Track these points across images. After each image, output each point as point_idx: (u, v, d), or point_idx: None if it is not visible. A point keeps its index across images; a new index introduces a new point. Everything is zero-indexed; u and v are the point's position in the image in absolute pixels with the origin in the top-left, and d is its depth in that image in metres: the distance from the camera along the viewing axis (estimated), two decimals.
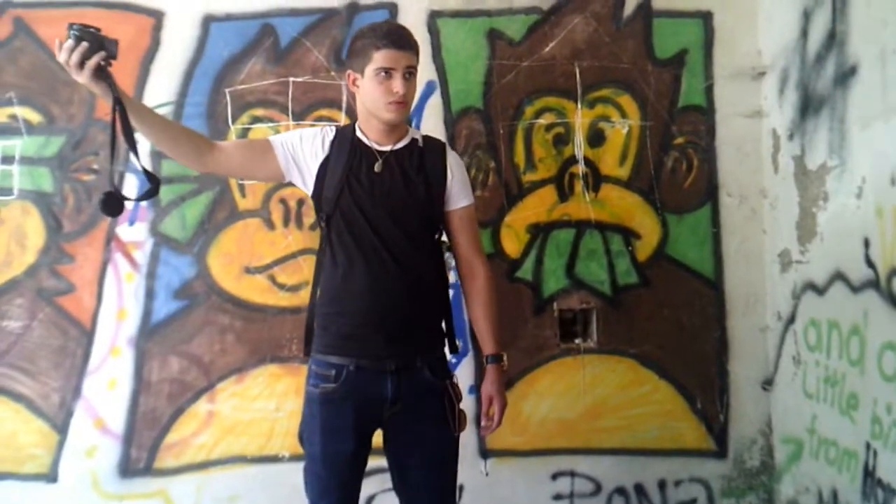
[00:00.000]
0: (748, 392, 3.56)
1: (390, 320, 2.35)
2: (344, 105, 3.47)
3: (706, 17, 3.57)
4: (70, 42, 2.04)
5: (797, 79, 3.24)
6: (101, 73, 2.10)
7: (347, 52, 2.45)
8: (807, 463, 3.25)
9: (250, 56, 3.46)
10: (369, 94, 2.32)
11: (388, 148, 2.40)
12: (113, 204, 2.20)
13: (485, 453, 3.50)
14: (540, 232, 3.52)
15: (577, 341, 3.53)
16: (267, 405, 3.46)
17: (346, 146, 2.37)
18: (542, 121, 3.52)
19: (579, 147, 3.53)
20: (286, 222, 3.46)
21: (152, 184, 2.28)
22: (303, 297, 3.43)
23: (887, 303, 2.63)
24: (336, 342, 2.35)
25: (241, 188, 3.46)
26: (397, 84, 2.28)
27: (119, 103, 2.13)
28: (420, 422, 2.41)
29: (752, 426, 3.57)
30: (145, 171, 2.25)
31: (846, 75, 2.87)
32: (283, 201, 3.46)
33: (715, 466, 3.55)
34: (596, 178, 3.53)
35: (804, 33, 3.16)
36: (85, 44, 2.05)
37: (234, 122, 3.46)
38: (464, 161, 3.41)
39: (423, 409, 2.41)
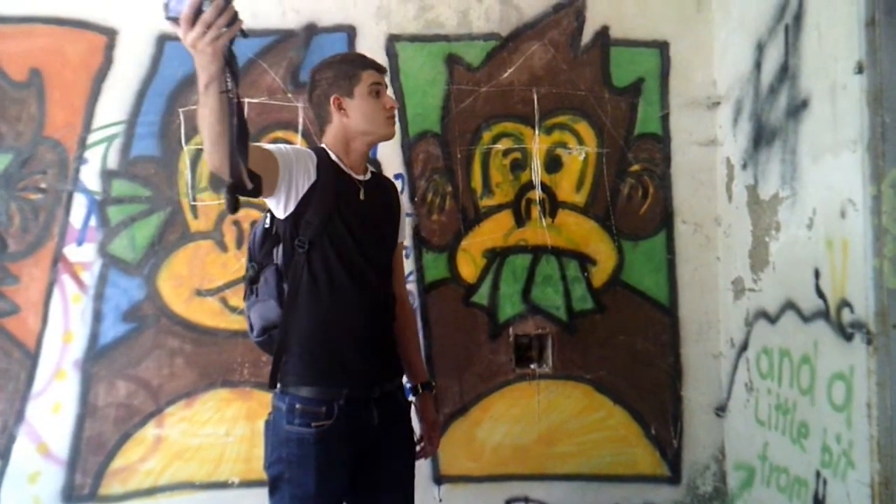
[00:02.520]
0: (701, 418, 3.58)
1: (377, 345, 2.37)
2: (300, 127, 3.44)
3: (663, 47, 3.61)
4: (220, 1, 1.69)
5: (751, 110, 3.28)
6: (229, 51, 1.79)
7: (322, 81, 2.38)
8: (758, 490, 3.27)
9: None
10: (364, 111, 2.33)
11: (362, 177, 2.41)
12: (234, 200, 2.03)
13: (439, 479, 3.47)
14: (496, 257, 3.51)
15: (532, 367, 3.52)
16: (217, 430, 3.40)
17: (332, 172, 2.31)
18: (500, 146, 3.53)
19: (536, 173, 3.54)
20: (239, 244, 3.42)
21: (254, 183, 2.03)
22: None
23: (837, 333, 2.66)
24: (325, 371, 2.26)
25: (194, 209, 3.41)
26: (389, 99, 2.36)
27: (238, 94, 1.88)
28: (393, 445, 2.41)
29: (706, 452, 3.59)
30: (249, 171, 1.96)
31: (798, 108, 2.92)
32: (236, 223, 3.42)
33: (668, 492, 3.56)
34: (553, 204, 3.54)
35: (758, 65, 3.21)
36: (233, 7, 1.72)
37: (187, 142, 3.42)
38: (421, 185, 3.44)
39: (396, 433, 2.43)
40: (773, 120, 3.09)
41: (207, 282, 3.41)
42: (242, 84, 3.40)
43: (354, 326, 2.29)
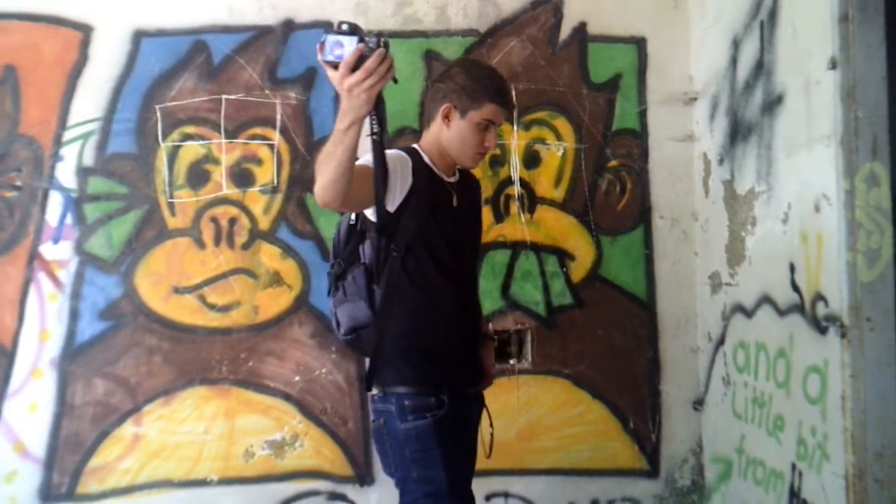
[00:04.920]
0: (679, 412, 3.60)
1: (473, 346, 2.42)
2: (278, 124, 3.43)
3: (640, 43, 3.62)
4: (382, 50, 1.77)
5: (727, 105, 3.30)
6: (378, 96, 1.85)
7: (452, 81, 2.33)
8: (735, 482, 3.30)
9: (182, 72, 3.41)
10: (461, 137, 2.32)
11: (452, 180, 2.41)
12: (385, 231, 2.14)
13: None
14: None
15: (511, 362, 3.53)
16: (195, 428, 3.38)
17: (427, 176, 2.29)
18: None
19: (515, 168, 3.55)
20: (217, 241, 3.40)
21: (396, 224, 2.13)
22: (234, 318, 3.39)
23: (812, 327, 2.69)
24: (425, 372, 2.26)
25: (171, 206, 3.39)
26: (491, 139, 2.35)
27: (383, 132, 1.94)
28: (474, 438, 2.47)
29: (684, 446, 3.61)
30: (398, 211, 2.08)
31: (773, 104, 2.94)
32: (214, 220, 3.40)
33: (647, 486, 3.58)
34: (531, 200, 3.55)
35: (734, 61, 3.23)
36: (391, 56, 1.79)
37: (164, 139, 3.39)
38: None
39: (476, 427, 2.48)
40: (748, 115, 3.12)
41: (185, 279, 3.39)
42: (220, 80, 3.41)
43: (451, 328, 2.31)
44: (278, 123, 3.44)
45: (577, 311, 3.55)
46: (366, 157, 2.09)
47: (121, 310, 3.37)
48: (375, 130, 1.90)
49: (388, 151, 2.16)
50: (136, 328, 3.37)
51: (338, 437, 3.43)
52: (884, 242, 2.49)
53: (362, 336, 2.30)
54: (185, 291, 3.40)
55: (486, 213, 3.50)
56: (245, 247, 3.41)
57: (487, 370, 2.67)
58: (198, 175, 3.42)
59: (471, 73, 2.33)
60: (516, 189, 3.54)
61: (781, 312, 2.90)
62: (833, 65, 2.53)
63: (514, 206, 3.54)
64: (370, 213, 2.21)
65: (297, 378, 3.42)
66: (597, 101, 3.59)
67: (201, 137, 3.42)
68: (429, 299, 2.26)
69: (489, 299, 3.50)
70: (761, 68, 3.01)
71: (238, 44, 3.45)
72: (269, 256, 3.42)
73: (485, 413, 2.56)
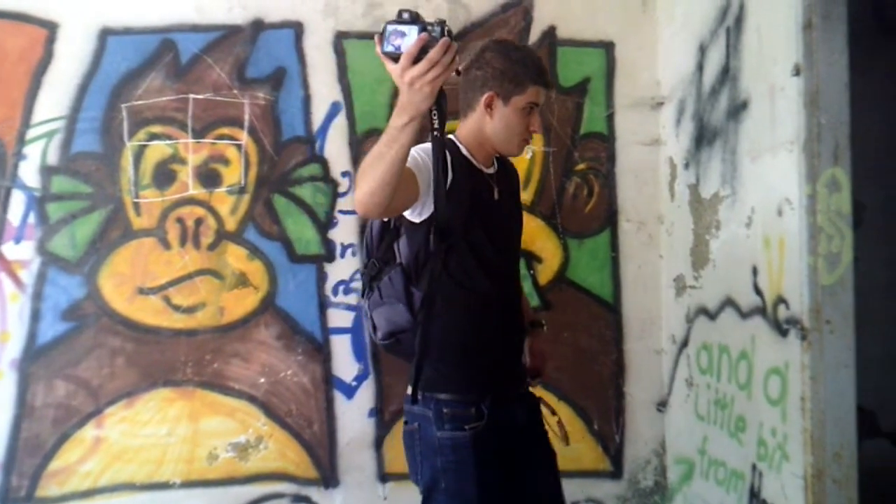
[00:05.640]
0: (643, 413, 3.64)
1: (520, 347, 2.32)
2: (246, 124, 3.41)
3: (608, 48, 3.65)
4: (447, 39, 1.62)
5: (693, 110, 3.34)
6: (440, 91, 1.70)
7: (488, 65, 2.16)
8: (697, 483, 3.34)
9: (149, 71, 3.37)
10: (507, 123, 2.17)
11: (492, 171, 2.27)
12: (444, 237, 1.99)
13: (384, 477, 3.47)
14: None
15: None
16: (158, 430, 3.35)
17: (465, 169, 2.14)
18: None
19: None
20: (183, 242, 3.38)
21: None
22: (199, 319, 3.37)
23: (773, 329, 2.72)
24: (471, 375, 2.16)
25: (136, 206, 3.36)
26: (536, 123, 2.21)
27: (444, 128, 1.79)
28: (536, 439, 2.34)
29: (647, 447, 3.64)
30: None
31: (738, 109, 2.98)
32: (180, 220, 3.38)
33: (610, 487, 3.61)
34: None
35: (700, 67, 3.27)
36: (456, 45, 1.64)
37: (130, 138, 3.36)
38: None
39: (537, 427, 2.35)
40: (714, 120, 3.15)
41: (150, 280, 3.36)
42: (188, 79, 3.39)
43: (497, 329, 2.22)
44: (246, 123, 3.42)
45: (543, 313, 3.56)
46: (414, 157, 1.95)
47: (84, 311, 3.32)
48: (437, 126, 1.77)
49: (424, 145, 1.98)
50: (99, 329, 3.33)
51: (303, 439, 3.42)
52: (844, 247, 2.53)
53: (402, 341, 2.15)
54: (150, 292, 3.36)
55: None
56: (211, 247, 3.39)
57: (540, 361, 2.53)
58: (164, 175, 3.39)
59: (509, 56, 2.17)
60: None
61: (744, 315, 2.94)
62: (797, 71, 2.57)
63: None
64: (413, 216, 2.06)
65: (262, 380, 3.40)
66: (565, 104, 3.61)
67: (168, 137, 3.39)
68: (474, 299, 2.15)
69: None
70: (727, 74, 3.05)
71: (206, 43, 3.42)
72: (235, 257, 3.40)
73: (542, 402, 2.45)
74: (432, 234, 2.02)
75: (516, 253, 2.35)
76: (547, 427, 2.38)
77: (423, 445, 2.15)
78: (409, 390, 2.14)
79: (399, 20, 1.63)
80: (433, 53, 1.60)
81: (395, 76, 1.66)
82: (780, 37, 2.66)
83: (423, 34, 1.60)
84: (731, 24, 3.01)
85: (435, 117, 1.76)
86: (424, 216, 2.04)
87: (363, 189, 1.78)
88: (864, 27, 3.49)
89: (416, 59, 1.61)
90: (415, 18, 1.63)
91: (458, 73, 1.72)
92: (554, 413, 2.50)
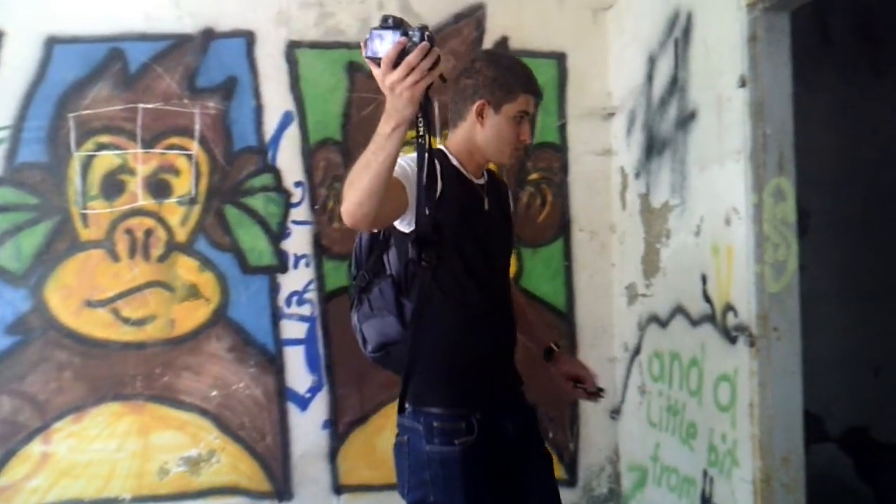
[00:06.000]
0: (597, 421, 3.66)
1: (508, 357, 2.27)
2: (196, 133, 3.37)
3: (560, 59, 3.69)
4: (426, 43, 1.59)
5: (643, 121, 3.38)
6: (426, 97, 1.67)
7: (479, 74, 2.13)
8: (651, 490, 3.37)
9: (96, 80, 3.33)
10: (498, 133, 2.14)
11: (481, 182, 2.23)
12: (421, 250, 1.93)
13: (338, 489, 3.45)
14: None
15: None
16: (107, 445, 3.30)
17: (455, 180, 2.10)
18: (402, 154, 3.53)
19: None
20: (132, 254, 3.33)
21: (436, 234, 1.94)
22: (149, 332, 3.33)
23: (722, 337, 2.76)
24: (462, 387, 2.11)
25: (84, 218, 3.30)
26: (527, 131, 2.18)
27: (430, 135, 1.75)
28: (530, 449, 2.27)
29: (601, 454, 3.67)
30: (434, 220, 1.86)
31: (687, 119, 3.02)
32: (129, 232, 3.33)
33: (565, 495, 3.53)
34: None
35: (650, 78, 3.31)
36: (437, 50, 1.61)
37: (77, 148, 3.31)
38: (321, 193, 3.42)
39: (531, 437, 2.29)
40: (663, 131, 3.20)
41: (98, 292, 3.31)
42: (136, 89, 3.35)
43: (488, 340, 2.17)
44: (197, 133, 3.39)
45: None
46: (402, 166, 1.91)
47: (29, 324, 3.26)
48: (422, 133, 1.73)
49: (411, 155, 1.94)
50: (45, 343, 3.27)
51: (255, 452, 3.39)
52: (789, 255, 2.58)
53: (392, 353, 2.12)
54: (98, 305, 3.31)
55: None
56: (161, 259, 3.35)
57: (575, 366, 2.45)
58: (112, 185, 3.34)
59: (499, 65, 2.16)
60: None
61: (694, 322, 2.98)
62: (742, 83, 2.62)
63: None
64: (402, 226, 2.02)
65: (214, 393, 3.37)
66: None
67: (116, 147, 3.34)
68: (463, 310, 2.11)
69: None
70: (675, 85, 3.09)
71: (156, 52, 3.38)
72: (186, 269, 3.36)
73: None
74: (412, 244, 1.98)
75: (506, 264, 2.33)
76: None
77: (412, 459, 2.11)
78: (398, 403, 2.10)
79: (382, 25, 1.61)
80: (411, 58, 1.58)
81: (378, 81, 1.64)
82: (725, 49, 2.71)
83: (402, 39, 1.59)
84: (679, 36, 3.05)
85: (421, 124, 1.73)
86: (414, 226, 1.98)
87: (351, 199, 1.75)
88: (808, 40, 3.57)
89: (396, 64, 1.60)
90: (398, 24, 1.61)
91: (442, 79, 1.67)
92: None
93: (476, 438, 2.07)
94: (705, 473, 2.89)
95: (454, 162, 2.15)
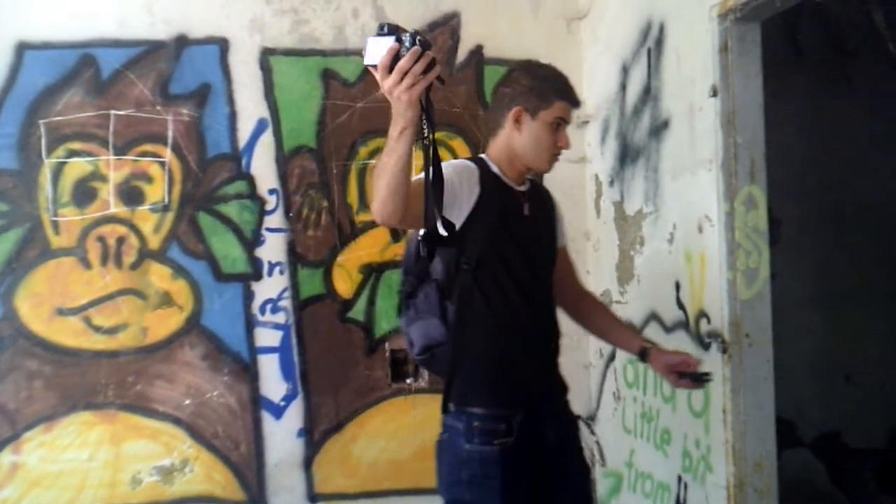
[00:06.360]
0: None
1: (549, 361, 2.29)
2: (169, 140, 3.35)
3: None
4: (418, 48, 1.63)
5: (617, 129, 3.41)
6: (426, 98, 1.71)
7: (515, 84, 2.19)
8: (626, 496, 3.38)
9: (68, 87, 3.30)
10: (535, 139, 2.18)
11: (523, 189, 2.27)
12: (432, 249, 1.97)
13: (313, 497, 3.44)
14: (373, 272, 3.52)
15: (408, 381, 3.53)
16: (79, 455, 3.27)
17: (494, 185, 2.16)
18: (376, 161, 3.52)
19: None
20: (104, 261, 3.31)
21: (449, 230, 1.92)
22: (121, 340, 3.30)
23: (695, 343, 2.78)
24: (502, 389, 2.14)
25: (55, 225, 3.27)
26: (564, 138, 2.22)
27: (433, 137, 1.77)
28: (569, 459, 2.30)
29: None
30: (443, 219, 1.85)
31: (660, 128, 3.05)
32: (101, 239, 3.30)
33: None
34: None
35: (623, 87, 3.34)
36: (430, 54, 1.65)
37: (48, 155, 3.28)
38: (296, 200, 3.41)
39: (570, 447, 2.31)
40: (637, 139, 3.22)
41: (70, 300, 3.28)
42: (109, 95, 3.32)
43: (528, 343, 2.19)
44: (170, 140, 3.37)
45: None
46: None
47: None
48: (426, 134, 1.75)
49: (453, 161, 2.12)
50: (15, 352, 3.24)
51: (230, 461, 3.37)
52: (761, 262, 2.60)
53: (436, 355, 2.15)
54: (70, 313, 3.28)
55: (383, 233, 3.51)
56: (133, 267, 3.32)
57: (674, 357, 2.38)
58: (84, 193, 3.32)
59: (535, 74, 2.22)
60: None
61: (668, 329, 2.99)
62: (714, 92, 2.64)
63: None
64: (442, 230, 2.02)
65: (187, 401, 3.34)
66: None
67: (88, 154, 3.31)
68: (503, 313, 2.14)
69: (386, 318, 3.51)
70: (648, 94, 3.12)
71: (128, 58, 3.37)
72: (158, 277, 3.34)
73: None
74: (421, 241, 2.02)
75: (549, 270, 2.34)
76: (585, 447, 2.38)
77: (451, 456, 2.14)
78: (442, 406, 2.15)
79: (378, 33, 1.65)
80: (402, 63, 1.62)
81: (380, 87, 1.69)
82: (697, 59, 2.74)
83: (394, 45, 1.63)
84: (652, 46, 3.08)
85: (426, 126, 1.75)
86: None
87: (376, 199, 1.82)
88: (780, 50, 3.61)
89: (392, 70, 1.64)
90: (392, 30, 1.64)
91: (440, 80, 1.72)
92: (593, 433, 2.46)
93: (515, 440, 2.09)
94: (680, 479, 2.91)
95: (494, 169, 2.20)
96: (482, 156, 2.25)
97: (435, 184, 1.79)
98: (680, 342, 2.88)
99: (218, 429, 3.36)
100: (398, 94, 1.66)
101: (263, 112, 3.46)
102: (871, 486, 3.75)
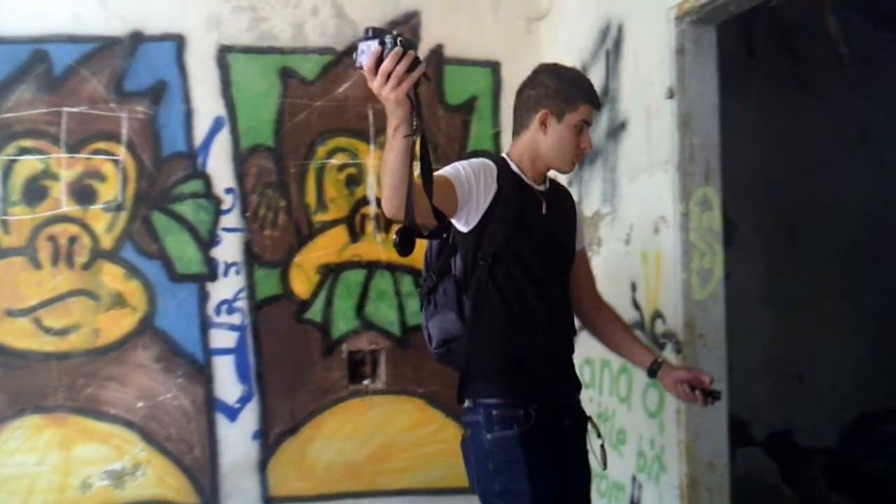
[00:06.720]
0: None
1: (564, 358, 2.31)
2: (124, 138, 3.30)
3: (495, 67, 3.71)
4: (399, 49, 1.68)
5: None
6: (414, 94, 1.74)
7: (541, 86, 2.22)
8: None
9: (19, 83, 3.24)
10: (560, 141, 2.22)
11: (542, 188, 2.30)
12: (408, 242, 1.91)
13: (268, 500, 3.41)
14: (330, 273, 3.50)
15: (365, 383, 3.52)
16: (27, 460, 3.20)
17: (513, 183, 2.20)
18: (335, 161, 3.52)
19: (371, 188, 3.55)
20: (55, 261, 3.25)
21: (443, 223, 1.95)
22: (72, 342, 3.24)
23: (651, 343, 2.79)
24: (516, 384, 2.17)
25: (4, 224, 3.21)
26: (587, 140, 2.25)
27: (423, 132, 1.80)
28: (579, 454, 2.31)
29: None
30: (437, 211, 1.87)
31: (617, 130, 3.07)
32: (52, 238, 3.24)
33: None
34: (387, 219, 3.54)
35: None
36: (412, 53, 1.70)
37: None
38: (253, 200, 3.38)
39: (581, 444, 2.32)
40: (595, 141, 3.21)
41: (19, 301, 3.22)
42: (61, 92, 3.27)
43: (543, 338, 2.22)
44: (124, 138, 3.32)
45: None
46: (444, 168, 2.03)
47: None
48: (415, 129, 1.78)
49: (472, 159, 2.15)
50: None
51: (183, 464, 3.33)
52: (715, 263, 2.64)
53: (453, 349, 2.19)
54: (19, 314, 3.23)
55: (341, 233, 3.50)
56: (85, 267, 3.27)
57: (686, 371, 2.38)
58: (35, 191, 3.26)
59: (561, 77, 2.27)
60: (372, 209, 3.54)
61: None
62: (671, 94, 2.67)
63: (370, 226, 3.54)
64: (461, 226, 2.13)
65: (140, 404, 3.30)
66: (453, 122, 3.65)
67: (39, 151, 3.25)
68: (518, 308, 2.18)
69: (343, 319, 3.49)
70: (607, 95, 3.13)
71: (82, 54, 3.31)
72: (111, 277, 3.29)
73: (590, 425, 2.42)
74: (396, 236, 1.96)
75: (565, 269, 2.37)
76: (589, 447, 2.37)
77: (476, 450, 2.16)
78: (458, 398, 2.19)
79: (364, 37, 1.69)
80: (385, 64, 1.66)
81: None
82: (655, 60, 2.76)
83: (378, 48, 1.67)
84: (611, 48, 3.10)
85: (416, 121, 1.78)
86: (471, 225, 2.11)
87: (383, 195, 1.86)
88: (735, 54, 3.66)
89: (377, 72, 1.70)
90: (377, 34, 1.69)
91: (426, 77, 1.75)
92: (599, 436, 2.47)
93: (535, 424, 2.12)
94: (634, 479, 2.93)
95: (514, 168, 2.23)
96: (503, 155, 2.29)
97: (425, 176, 1.82)
98: None
99: (171, 432, 3.32)
100: (385, 94, 1.70)
101: (220, 110, 3.42)
102: (821, 484, 3.81)
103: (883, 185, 3.88)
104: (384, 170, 1.83)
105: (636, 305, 2.91)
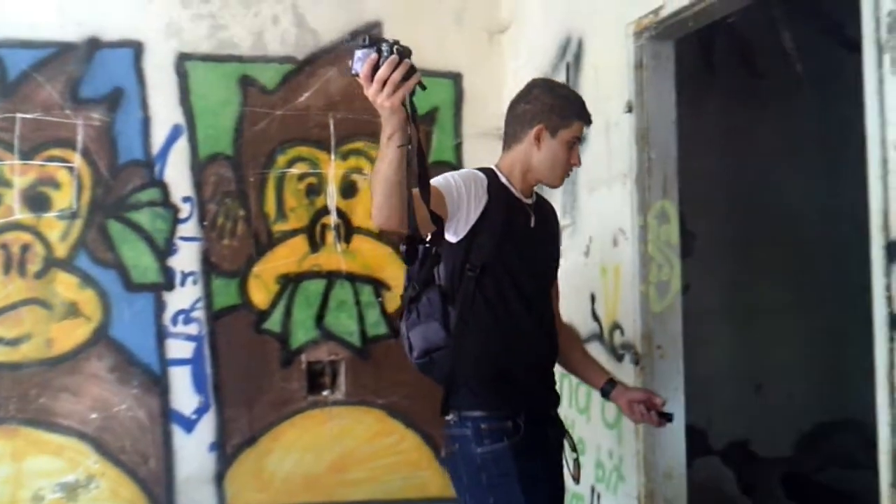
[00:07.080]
0: None
1: (548, 371, 2.31)
2: (79, 145, 3.25)
3: (456, 79, 3.72)
4: (395, 57, 1.69)
5: None
6: (409, 102, 1.75)
7: (537, 101, 2.23)
8: None
9: None
10: (553, 157, 2.23)
11: (530, 202, 2.30)
12: (414, 250, 1.94)
13: None
14: (289, 282, 3.47)
15: (324, 393, 3.49)
16: None
17: (502, 195, 2.20)
18: (295, 170, 3.50)
19: (332, 198, 3.54)
20: (7, 269, 3.19)
21: (438, 225, 1.96)
22: (24, 352, 3.19)
23: (609, 354, 2.83)
24: (501, 395, 2.16)
25: None
26: (577, 156, 2.27)
27: (418, 140, 1.81)
28: (557, 468, 2.30)
29: None
30: (432, 212, 1.86)
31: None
32: (4, 247, 3.19)
33: None
34: (348, 230, 3.54)
35: None
36: (408, 62, 1.71)
37: None
38: (211, 208, 3.35)
39: (557, 458, 2.31)
40: None
41: None
42: (15, 98, 3.22)
43: (529, 350, 2.22)
44: (79, 145, 3.27)
45: (392, 341, 3.55)
46: (434, 179, 2.01)
47: None
48: (416, 142, 1.81)
49: (462, 170, 2.19)
50: None
51: (138, 476, 3.27)
52: (673, 275, 2.67)
53: (436, 359, 2.16)
54: None
55: (301, 242, 3.48)
56: (38, 275, 3.21)
57: (639, 392, 2.45)
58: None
59: (555, 93, 2.29)
60: (333, 218, 3.53)
61: (583, 341, 3.02)
62: (629, 108, 2.70)
63: (331, 236, 3.52)
64: (449, 236, 2.12)
65: (93, 415, 3.24)
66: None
67: None
68: (504, 320, 2.18)
69: (303, 329, 3.47)
70: None
71: (36, 60, 3.26)
72: (65, 286, 3.24)
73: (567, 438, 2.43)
74: (404, 241, 2.00)
75: (550, 281, 2.39)
76: (564, 462, 2.38)
77: (466, 464, 2.15)
78: (441, 410, 2.17)
79: (361, 45, 1.70)
80: (381, 72, 1.68)
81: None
82: (614, 75, 2.79)
83: (374, 56, 1.68)
84: (571, 61, 3.13)
85: (411, 129, 1.80)
86: (460, 235, 2.10)
87: (374, 204, 1.85)
88: (693, 69, 3.71)
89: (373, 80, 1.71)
90: (373, 42, 1.70)
91: (422, 86, 1.76)
92: (574, 450, 2.47)
93: (524, 436, 2.12)
94: (593, 490, 2.94)
95: (503, 180, 2.24)
96: (492, 166, 2.29)
97: (422, 184, 1.82)
98: (595, 354, 2.88)
99: (126, 443, 3.26)
100: (381, 101, 1.71)
101: (178, 118, 3.38)
102: (778, 492, 3.86)
103: (838, 198, 3.95)
104: (376, 179, 1.83)
105: (595, 317, 2.93)
